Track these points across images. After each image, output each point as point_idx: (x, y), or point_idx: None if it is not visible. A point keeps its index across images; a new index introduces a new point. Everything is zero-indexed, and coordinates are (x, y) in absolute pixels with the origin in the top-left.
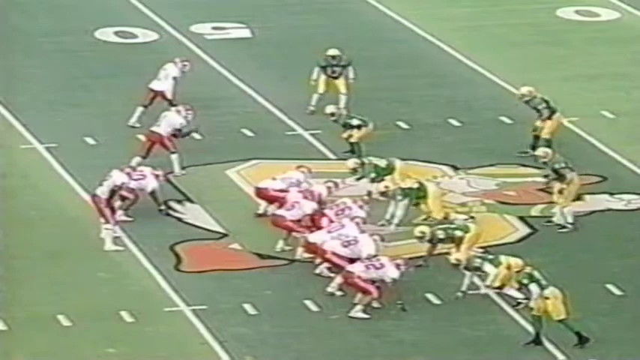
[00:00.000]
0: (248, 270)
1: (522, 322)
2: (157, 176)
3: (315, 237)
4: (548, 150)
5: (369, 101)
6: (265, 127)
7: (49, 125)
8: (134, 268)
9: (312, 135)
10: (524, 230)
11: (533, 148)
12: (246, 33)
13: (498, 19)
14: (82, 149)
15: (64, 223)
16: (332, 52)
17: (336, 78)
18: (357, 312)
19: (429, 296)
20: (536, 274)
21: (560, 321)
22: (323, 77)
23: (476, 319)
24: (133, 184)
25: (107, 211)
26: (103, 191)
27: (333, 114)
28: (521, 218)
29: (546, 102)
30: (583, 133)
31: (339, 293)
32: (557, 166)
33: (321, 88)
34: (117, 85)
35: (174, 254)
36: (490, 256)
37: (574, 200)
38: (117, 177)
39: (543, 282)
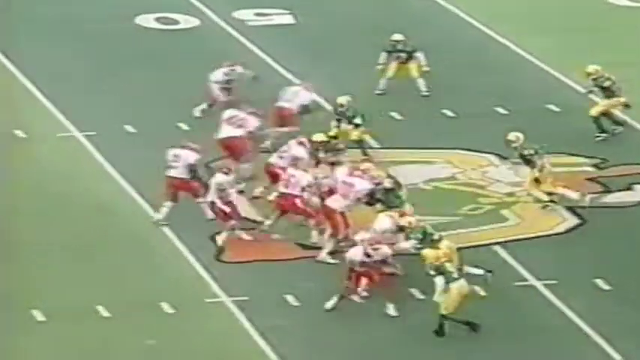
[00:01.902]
0: (290, 260)
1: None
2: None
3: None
4: (520, 135)
5: (413, 89)
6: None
7: (88, 113)
8: (175, 259)
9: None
10: (573, 221)
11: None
12: (289, 19)
13: (547, 4)
14: (121, 137)
15: (103, 213)
16: (396, 36)
17: (403, 63)
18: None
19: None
20: (447, 266)
21: (442, 315)
22: (394, 63)
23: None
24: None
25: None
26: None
27: (342, 105)
28: (570, 208)
29: (612, 81)
30: (632, 120)
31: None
32: (525, 152)
33: (390, 73)
34: (158, 73)
35: (216, 244)
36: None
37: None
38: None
39: (454, 275)
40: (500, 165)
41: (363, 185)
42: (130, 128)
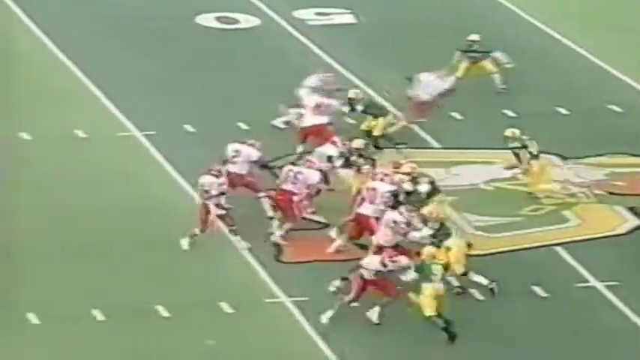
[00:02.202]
0: (349, 261)
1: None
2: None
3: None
4: (516, 130)
5: (475, 89)
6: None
7: (147, 112)
8: (234, 259)
9: (415, 123)
10: (635, 222)
11: None
12: (349, 19)
13: (609, 3)
14: (180, 137)
15: (161, 212)
16: (473, 37)
17: (474, 63)
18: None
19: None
20: (432, 267)
21: (429, 317)
22: (465, 62)
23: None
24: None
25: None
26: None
27: (352, 99)
28: (632, 209)
29: None
30: None
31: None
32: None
33: (460, 73)
34: (217, 72)
35: (275, 245)
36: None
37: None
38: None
39: (433, 277)
40: (561, 165)
41: (385, 188)
42: (189, 128)
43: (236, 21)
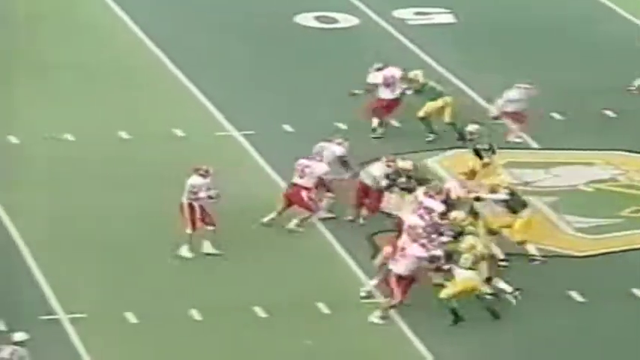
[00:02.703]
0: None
1: None
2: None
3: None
4: (480, 127)
5: (574, 89)
6: (467, 114)
7: (246, 111)
8: (331, 259)
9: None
10: None
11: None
12: (449, 18)
13: None
14: (279, 136)
15: (261, 212)
16: None
17: None
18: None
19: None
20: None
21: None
22: None
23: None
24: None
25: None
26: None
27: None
28: None
29: None
30: None
31: None
32: (479, 146)
33: None
34: (316, 71)
35: (372, 245)
36: None
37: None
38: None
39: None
40: None
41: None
42: (288, 127)
43: (335, 20)
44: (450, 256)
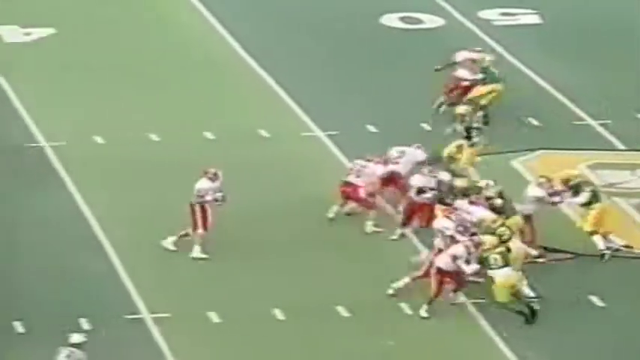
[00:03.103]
0: (532, 263)
1: None
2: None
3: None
4: (469, 108)
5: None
6: (552, 116)
7: (332, 112)
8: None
9: (602, 125)
10: None
11: None
12: (535, 19)
13: None
14: (363, 137)
15: (343, 214)
16: None
17: None
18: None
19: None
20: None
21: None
22: None
23: None
24: None
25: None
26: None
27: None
28: None
29: None
30: None
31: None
32: (474, 124)
33: None
34: (401, 72)
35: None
36: None
37: None
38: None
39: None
40: None
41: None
42: (372, 128)
43: (420, 21)
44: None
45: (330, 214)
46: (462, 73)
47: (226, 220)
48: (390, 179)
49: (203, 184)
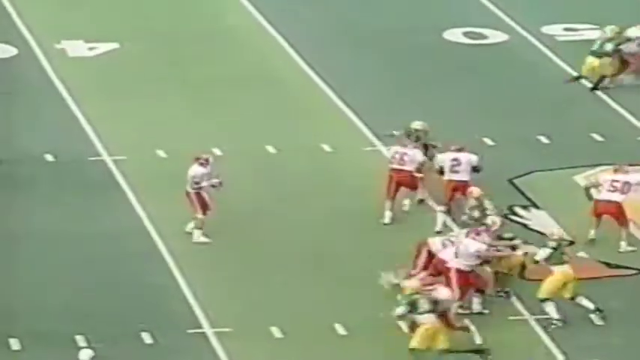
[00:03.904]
0: (595, 279)
1: None
2: None
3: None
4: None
5: None
6: (615, 131)
7: (393, 126)
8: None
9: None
10: None
11: None
12: (598, 34)
13: None
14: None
15: (407, 227)
16: None
17: None
18: None
19: None
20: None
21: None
22: None
23: None
24: None
25: None
26: None
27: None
28: None
29: None
30: None
31: None
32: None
33: None
34: (464, 87)
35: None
36: None
37: None
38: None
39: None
40: None
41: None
42: (434, 143)
43: (484, 36)
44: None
45: (386, 220)
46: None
47: (289, 234)
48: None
49: (196, 170)
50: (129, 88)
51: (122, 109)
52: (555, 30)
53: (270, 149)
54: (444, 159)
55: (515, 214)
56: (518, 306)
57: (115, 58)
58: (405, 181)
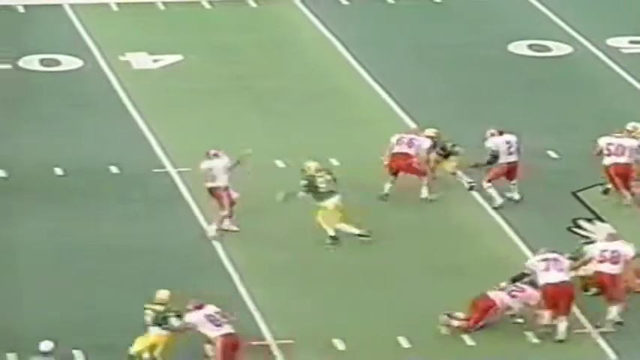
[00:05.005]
0: None
1: None
2: None
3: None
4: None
5: None
6: None
7: (458, 140)
8: None
9: None
10: None
11: None
12: None
13: None
14: None
15: (465, 238)
16: None
17: None
18: None
19: None
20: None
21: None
22: None
23: None
24: None
25: None
26: None
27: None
28: None
29: None
30: None
31: None
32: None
33: None
34: (528, 100)
35: (580, 277)
36: None
37: None
38: None
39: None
40: None
41: None
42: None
43: (548, 49)
44: None
45: (385, 191)
46: None
47: (352, 247)
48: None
49: (209, 164)
50: (192, 100)
51: (186, 121)
52: (621, 42)
53: (334, 161)
54: (497, 143)
55: (579, 227)
56: (582, 319)
57: (179, 69)
58: (403, 165)
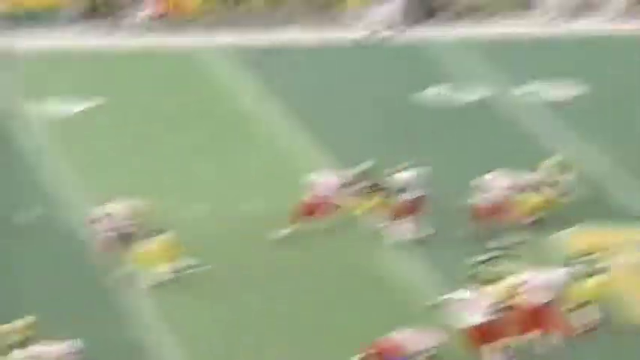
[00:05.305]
0: None
1: None
2: None
3: None
4: None
5: None
6: None
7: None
8: None
9: None
10: None
11: None
12: None
13: None
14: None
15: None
16: None
17: None
18: None
19: None
20: None
21: None
22: None
23: None
24: None
25: None
26: None
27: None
28: None
29: None
30: None
31: None
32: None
33: None
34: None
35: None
36: None
37: None
38: None
39: None
40: None
41: None
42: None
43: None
44: None
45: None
46: None
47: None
48: None
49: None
50: (115, 142)
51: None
52: None
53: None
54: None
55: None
56: None
57: (99, 113)
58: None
